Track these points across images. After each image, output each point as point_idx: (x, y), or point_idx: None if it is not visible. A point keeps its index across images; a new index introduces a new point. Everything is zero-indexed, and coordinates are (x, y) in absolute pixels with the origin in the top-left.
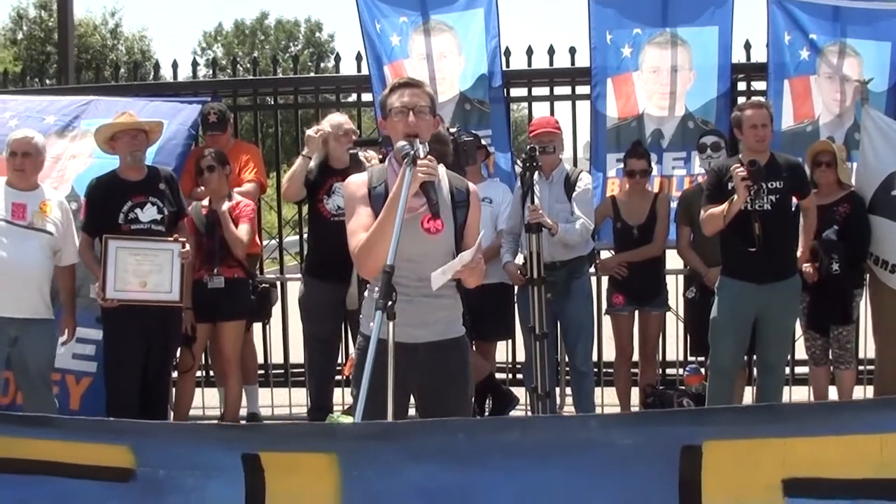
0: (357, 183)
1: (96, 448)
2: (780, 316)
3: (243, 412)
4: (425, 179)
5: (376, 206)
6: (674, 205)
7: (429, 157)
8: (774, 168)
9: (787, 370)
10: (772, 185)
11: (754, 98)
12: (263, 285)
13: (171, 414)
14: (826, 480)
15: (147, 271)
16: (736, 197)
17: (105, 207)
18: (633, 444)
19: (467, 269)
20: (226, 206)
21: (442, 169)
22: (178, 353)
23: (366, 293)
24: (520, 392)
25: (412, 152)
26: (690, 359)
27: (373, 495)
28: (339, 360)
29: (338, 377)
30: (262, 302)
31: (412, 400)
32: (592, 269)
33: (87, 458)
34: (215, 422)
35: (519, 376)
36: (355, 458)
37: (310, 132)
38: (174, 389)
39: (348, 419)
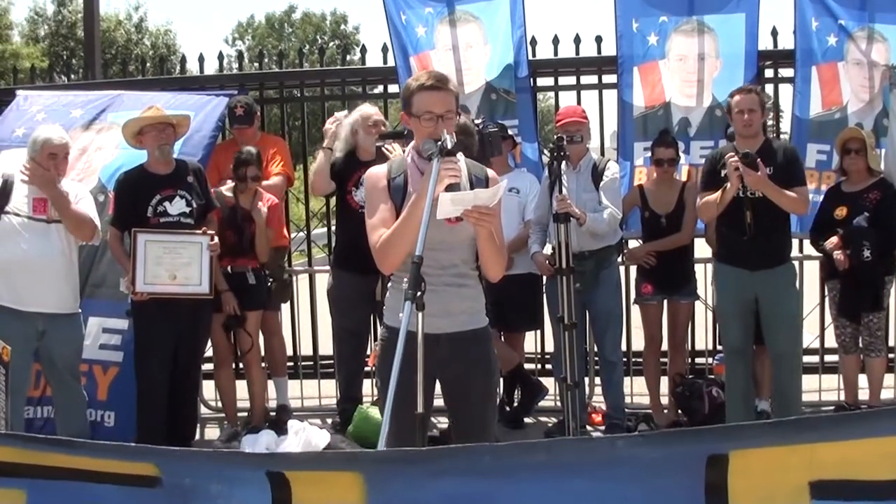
0: (377, 175)
1: (121, 464)
2: (779, 300)
3: (272, 404)
4: (452, 182)
5: (395, 197)
6: None
7: (455, 156)
8: (768, 154)
9: (817, 358)
10: None
11: (745, 84)
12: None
13: (201, 406)
14: (854, 482)
15: (177, 264)
16: (729, 185)
17: (134, 201)
18: (659, 457)
19: (477, 213)
20: (263, 206)
21: (460, 157)
22: (209, 344)
23: (389, 285)
24: (549, 382)
25: (440, 143)
26: (719, 347)
27: (399, 502)
28: (368, 351)
29: (367, 368)
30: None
31: (437, 390)
32: (621, 259)
33: (113, 468)
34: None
35: (548, 366)
36: (379, 476)
37: (327, 125)
38: (213, 382)
39: (378, 410)
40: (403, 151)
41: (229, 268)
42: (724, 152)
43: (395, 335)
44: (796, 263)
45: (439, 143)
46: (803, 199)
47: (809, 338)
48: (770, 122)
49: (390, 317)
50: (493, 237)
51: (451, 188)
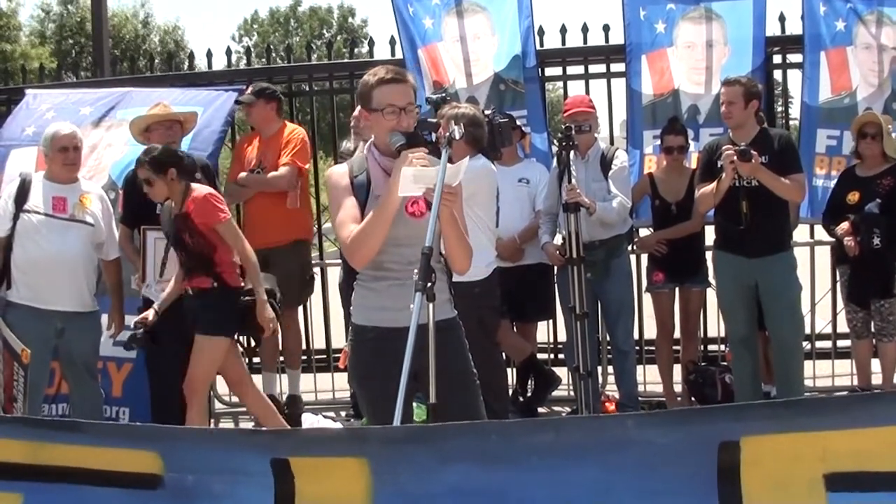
0: (339, 174)
1: (124, 454)
2: (780, 287)
3: (284, 397)
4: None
5: (358, 195)
6: None
7: (422, 149)
8: (764, 143)
9: (829, 344)
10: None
11: (734, 75)
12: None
13: (215, 401)
14: (868, 473)
15: None
16: (724, 175)
17: (142, 199)
18: (670, 442)
19: (443, 195)
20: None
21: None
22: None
23: (356, 283)
24: (562, 372)
25: (448, 134)
26: None
27: (404, 497)
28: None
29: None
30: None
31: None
32: (631, 248)
33: (116, 464)
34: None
35: (561, 356)
36: (386, 462)
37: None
38: None
39: None
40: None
41: (189, 289)
42: (721, 144)
43: (365, 335)
44: (807, 249)
45: (451, 131)
46: (799, 185)
47: (822, 323)
48: (779, 109)
49: (359, 316)
50: (456, 221)
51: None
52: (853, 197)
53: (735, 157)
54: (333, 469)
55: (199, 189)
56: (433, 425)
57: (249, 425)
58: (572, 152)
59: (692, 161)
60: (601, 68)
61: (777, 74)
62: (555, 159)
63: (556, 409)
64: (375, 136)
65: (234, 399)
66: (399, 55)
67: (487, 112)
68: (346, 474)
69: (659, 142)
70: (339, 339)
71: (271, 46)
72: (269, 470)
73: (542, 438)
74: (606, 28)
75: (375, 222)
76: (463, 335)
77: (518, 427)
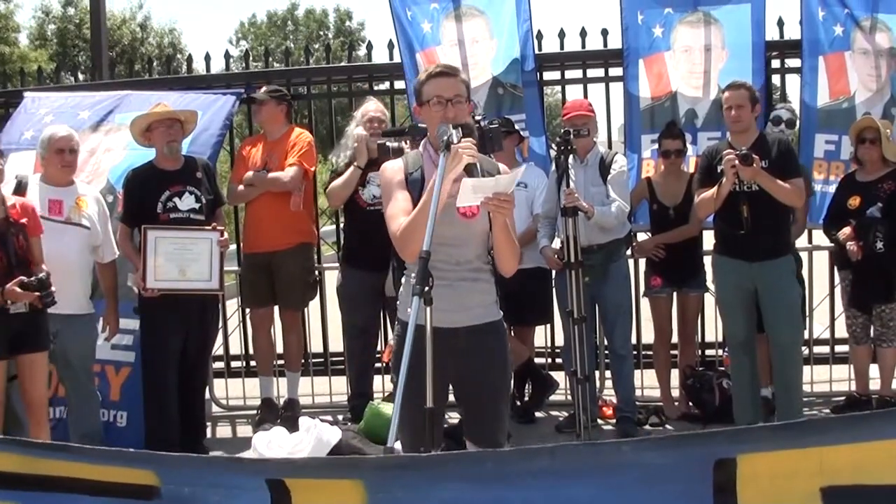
0: (393, 169)
1: (120, 470)
2: (780, 290)
3: (282, 400)
4: (470, 161)
5: (413, 191)
6: None
7: (470, 140)
8: (762, 148)
9: (828, 349)
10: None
11: (737, 79)
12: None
13: (213, 405)
14: (866, 487)
15: (186, 260)
16: (724, 180)
17: (143, 198)
18: (666, 462)
19: (497, 200)
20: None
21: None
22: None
23: (403, 279)
24: (559, 376)
25: (446, 138)
26: None
27: None
28: (379, 348)
29: (377, 364)
30: None
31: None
32: (629, 252)
33: (112, 476)
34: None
35: (558, 361)
36: (381, 482)
37: (359, 144)
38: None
39: (389, 406)
40: (409, 148)
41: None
42: (720, 149)
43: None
44: (804, 254)
45: (448, 135)
46: (798, 189)
47: (820, 328)
48: None
49: (404, 311)
50: (508, 227)
51: (469, 169)
52: (854, 202)
53: (737, 161)
54: (328, 488)
55: (13, 196)
56: (427, 455)
57: (248, 428)
58: (571, 156)
59: (690, 165)
60: (599, 72)
61: (775, 79)
62: (553, 163)
63: (554, 413)
64: (429, 131)
65: (232, 402)
66: (398, 59)
67: (478, 117)
68: (341, 493)
69: (657, 146)
70: (337, 343)
71: (269, 50)
72: (264, 486)
73: (537, 464)
74: (605, 32)
75: (423, 214)
76: (506, 339)
77: (513, 455)
